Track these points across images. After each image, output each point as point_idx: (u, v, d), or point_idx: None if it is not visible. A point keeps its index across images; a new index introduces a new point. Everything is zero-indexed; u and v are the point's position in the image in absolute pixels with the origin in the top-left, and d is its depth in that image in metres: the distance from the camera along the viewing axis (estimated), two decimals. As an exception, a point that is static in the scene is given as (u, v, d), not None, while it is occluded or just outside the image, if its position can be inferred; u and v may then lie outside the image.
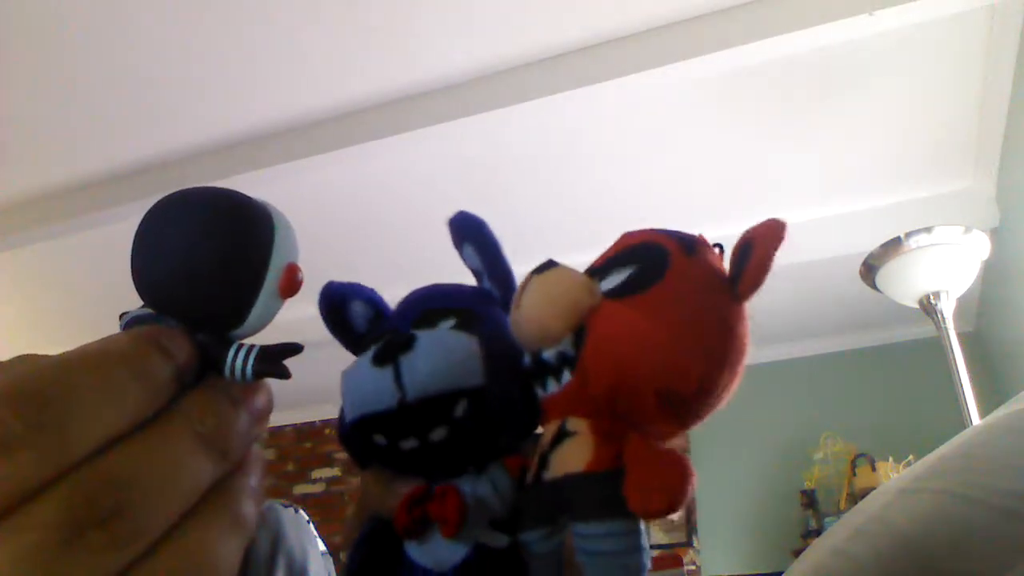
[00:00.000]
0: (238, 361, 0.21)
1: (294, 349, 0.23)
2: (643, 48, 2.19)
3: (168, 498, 0.18)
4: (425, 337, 0.34)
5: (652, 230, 0.36)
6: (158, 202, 0.22)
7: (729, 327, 0.33)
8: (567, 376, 0.33)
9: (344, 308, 0.40)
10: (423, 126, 2.39)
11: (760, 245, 0.33)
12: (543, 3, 2.09)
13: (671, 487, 0.30)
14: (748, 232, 0.34)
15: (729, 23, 2.10)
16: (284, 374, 0.23)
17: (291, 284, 0.23)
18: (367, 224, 3.02)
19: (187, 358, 0.21)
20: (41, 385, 0.17)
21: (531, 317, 0.34)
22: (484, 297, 0.42)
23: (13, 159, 2.64)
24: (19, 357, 0.19)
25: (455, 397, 0.33)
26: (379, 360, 0.33)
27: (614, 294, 0.34)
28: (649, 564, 0.31)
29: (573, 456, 0.32)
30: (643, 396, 0.31)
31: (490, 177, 2.79)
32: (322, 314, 0.40)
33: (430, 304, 0.40)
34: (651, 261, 0.34)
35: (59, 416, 0.17)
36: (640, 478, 0.30)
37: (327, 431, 4.51)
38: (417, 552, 0.33)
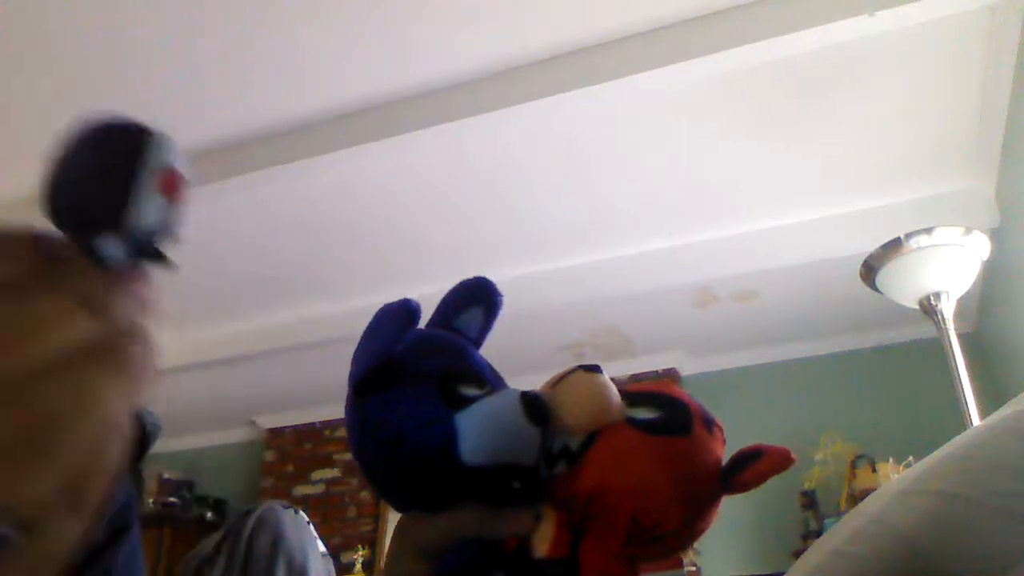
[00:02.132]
0: (111, 247, 0.24)
1: (165, 233, 0.26)
2: (642, 49, 2.19)
3: (47, 339, 0.21)
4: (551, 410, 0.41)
5: (686, 394, 0.42)
6: None
7: (710, 504, 0.39)
8: (560, 466, 0.39)
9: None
10: (421, 127, 2.39)
11: (767, 461, 0.39)
12: (541, 4, 2.09)
13: None
14: (761, 445, 0.39)
15: (729, 24, 2.10)
16: (159, 256, 0.25)
17: (170, 185, 0.25)
18: (363, 225, 3.01)
19: (61, 244, 0.23)
20: None
21: (563, 404, 0.39)
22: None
23: (12, 160, 2.64)
24: None
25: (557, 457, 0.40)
26: (535, 420, 0.38)
27: (636, 424, 0.38)
28: None
29: (539, 542, 0.38)
30: (617, 516, 0.37)
31: (488, 179, 2.78)
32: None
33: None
34: (678, 416, 0.39)
35: None
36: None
37: (327, 432, 4.50)
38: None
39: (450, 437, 0.38)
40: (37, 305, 0.21)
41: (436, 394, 0.39)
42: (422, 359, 0.40)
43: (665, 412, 0.39)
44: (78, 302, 0.22)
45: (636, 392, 0.41)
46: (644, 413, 0.39)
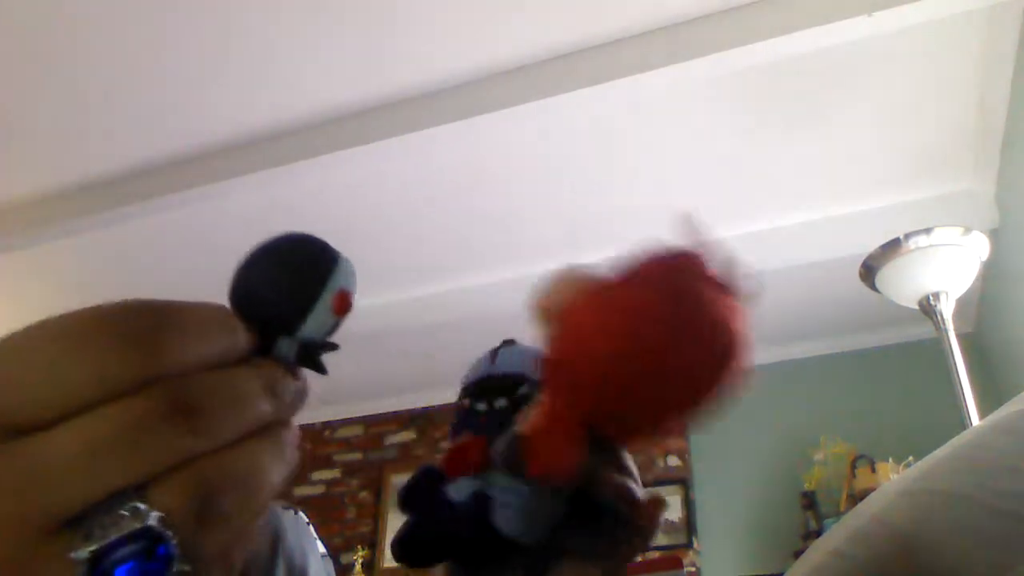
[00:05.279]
0: (286, 347, 0.28)
1: (331, 347, 0.30)
2: (641, 51, 2.19)
3: (238, 414, 0.24)
4: (517, 344, 0.51)
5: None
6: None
7: (700, 329, 0.35)
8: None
9: None
10: (412, 131, 2.39)
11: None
12: (531, 6, 2.09)
13: None
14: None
15: (728, 25, 2.11)
16: (320, 366, 0.29)
17: (342, 304, 0.29)
18: (357, 229, 3.02)
19: (253, 336, 0.27)
20: (156, 307, 0.23)
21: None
22: None
23: (15, 161, 2.65)
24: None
25: (522, 379, 0.48)
26: (489, 353, 0.50)
27: None
28: None
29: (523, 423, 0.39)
30: (587, 390, 0.36)
31: (484, 181, 2.79)
32: None
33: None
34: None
35: (162, 333, 0.23)
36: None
37: (327, 433, 4.51)
38: (452, 489, 0.44)
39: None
40: (240, 380, 0.25)
41: None
42: None
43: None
44: (264, 385, 0.25)
45: None
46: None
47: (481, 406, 0.47)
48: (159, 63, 2.25)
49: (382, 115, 2.42)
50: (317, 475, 4.44)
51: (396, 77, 2.33)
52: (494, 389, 0.47)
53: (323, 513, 4.22)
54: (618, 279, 0.36)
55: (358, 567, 3.93)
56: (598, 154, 2.67)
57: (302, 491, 4.41)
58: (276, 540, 0.63)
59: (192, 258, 3.16)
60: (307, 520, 0.70)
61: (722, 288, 0.36)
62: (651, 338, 0.33)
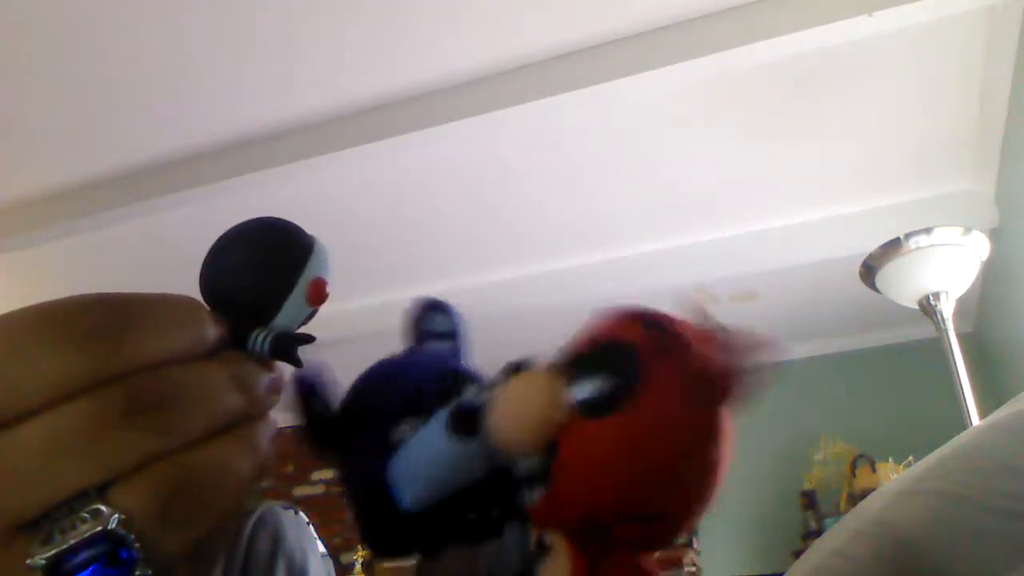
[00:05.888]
0: (259, 339, 0.27)
1: (307, 339, 0.28)
2: (641, 50, 2.19)
3: (203, 410, 0.23)
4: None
5: (623, 320, 0.34)
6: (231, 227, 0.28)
7: (710, 444, 0.32)
8: (539, 490, 0.32)
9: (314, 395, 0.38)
10: (416, 130, 2.39)
11: (693, 347, 0.32)
12: (537, 6, 2.09)
13: None
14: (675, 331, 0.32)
15: (728, 25, 2.11)
16: (295, 359, 0.28)
17: (317, 293, 0.28)
18: (359, 228, 3.01)
19: (224, 328, 0.26)
20: (117, 301, 0.23)
21: (500, 429, 0.32)
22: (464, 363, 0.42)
23: (15, 161, 2.65)
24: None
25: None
26: (464, 429, 0.33)
27: (585, 409, 0.31)
28: None
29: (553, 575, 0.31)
30: (615, 527, 0.31)
31: (485, 181, 2.78)
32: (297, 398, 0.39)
33: (453, 369, 0.39)
34: (622, 371, 0.31)
35: (123, 329, 0.22)
36: None
37: (327, 432, 4.51)
38: None
39: (388, 492, 0.34)
40: (207, 376, 0.24)
41: (369, 449, 0.35)
42: (354, 418, 0.37)
43: (605, 375, 0.32)
44: (233, 379, 0.25)
45: (575, 358, 0.33)
46: (585, 388, 0.32)
47: (472, 514, 0.35)
48: (161, 63, 2.25)
49: (396, 111, 2.42)
50: (317, 475, 4.45)
51: (410, 73, 2.32)
52: (501, 496, 0.35)
53: (323, 513, 4.19)
54: (623, 406, 0.31)
55: (358, 567, 3.93)
56: (597, 155, 2.67)
57: (302, 491, 4.41)
58: (276, 540, 0.63)
59: (195, 258, 3.17)
60: (307, 520, 0.70)
61: (724, 394, 0.32)
62: (688, 439, 0.31)
